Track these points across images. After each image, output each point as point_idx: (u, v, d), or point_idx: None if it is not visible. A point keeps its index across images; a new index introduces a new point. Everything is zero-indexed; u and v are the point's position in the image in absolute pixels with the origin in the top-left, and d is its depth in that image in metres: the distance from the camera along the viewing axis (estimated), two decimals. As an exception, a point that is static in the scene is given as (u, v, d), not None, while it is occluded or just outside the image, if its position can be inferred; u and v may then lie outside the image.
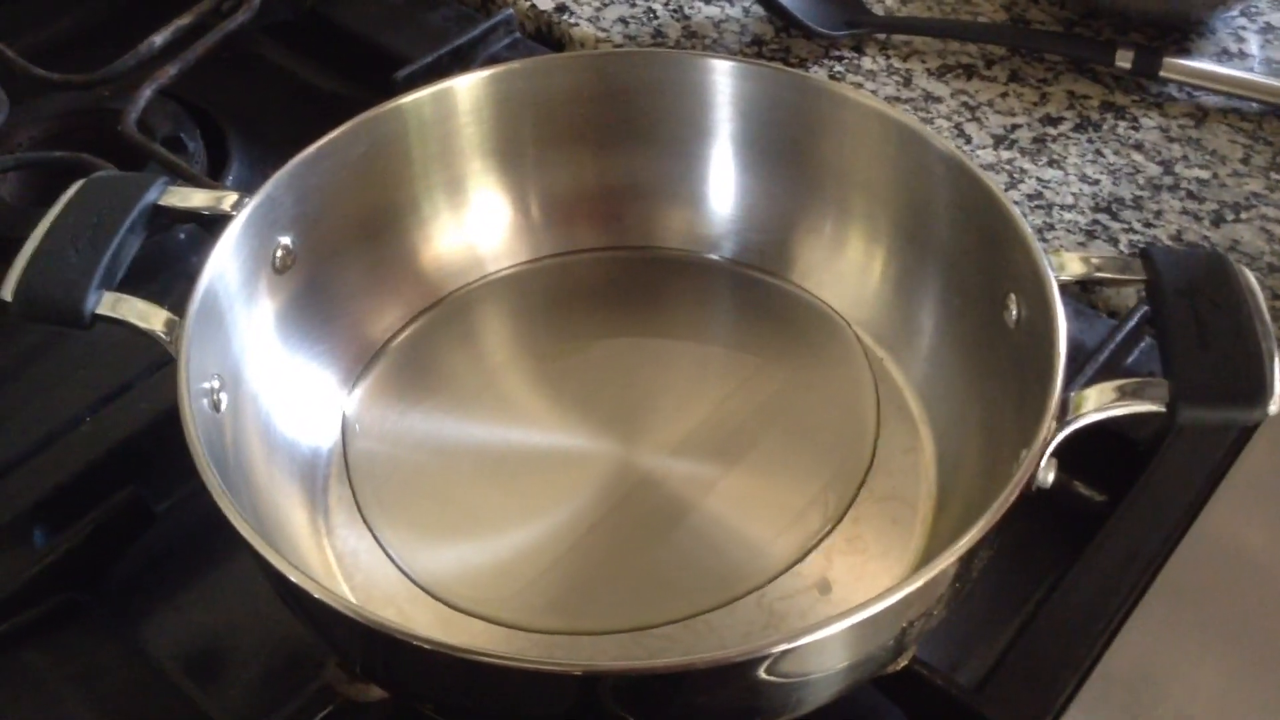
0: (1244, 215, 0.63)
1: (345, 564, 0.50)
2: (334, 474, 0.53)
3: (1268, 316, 0.44)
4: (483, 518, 0.53)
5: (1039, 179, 0.66)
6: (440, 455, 0.54)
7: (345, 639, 0.43)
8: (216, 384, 0.47)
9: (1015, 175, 0.66)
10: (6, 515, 0.52)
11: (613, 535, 0.52)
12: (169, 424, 0.55)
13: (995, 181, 0.50)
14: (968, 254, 0.51)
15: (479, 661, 0.38)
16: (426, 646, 0.38)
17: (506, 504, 0.53)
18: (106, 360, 0.58)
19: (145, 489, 0.53)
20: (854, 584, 0.49)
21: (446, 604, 0.49)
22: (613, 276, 0.60)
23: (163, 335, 0.46)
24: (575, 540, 0.51)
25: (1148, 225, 0.63)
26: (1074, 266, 0.47)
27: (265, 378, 0.51)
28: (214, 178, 0.69)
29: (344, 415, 0.55)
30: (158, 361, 0.58)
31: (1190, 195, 0.64)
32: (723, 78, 0.55)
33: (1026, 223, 0.48)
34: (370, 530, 0.51)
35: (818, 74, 0.72)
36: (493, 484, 0.53)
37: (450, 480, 0.54)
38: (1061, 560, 0.52)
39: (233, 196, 0.50)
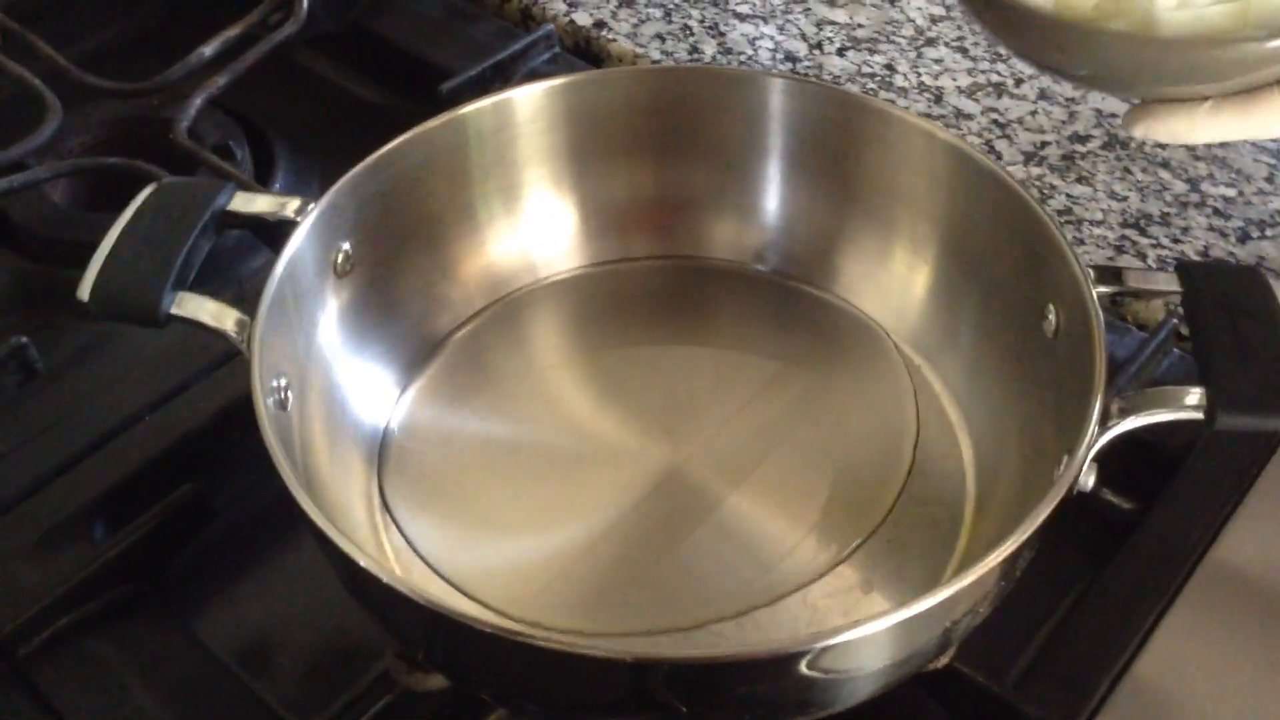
0: (1269, 232, 0.65)
1: (402, 558, 0.52)
2: (391, 469, 0.55)
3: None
4: (528, 517, 0.54)
5: (1068, 195, 0.68)
6: (487, 454, 0.56)
7: (408, 625, 0.45)
8: (284, 382, 0.49)
9: (1045, 191, 0.68)
10: (70, 509, 0.54)
11: (657, 535, 0.53)
12: (227, 422, 0.57)
13: (1035, 197, 0.51)
14: (1008, 266, 0.53)
15: (537, 647, 0.40)
16: (488, 631, 0.40)
17: (552, 504, 0.54)
18: (166, 359, 0.60)
19: (204, 485, 0.55)
20: (896, 584, 0.51)
21: (489, 607, 0.50)
22: (661, 284, 0.61)
23: (234, 335, 0.47)
24: (622, 540, 0.53)
25: (1175, 241, 0.65)
26: (1112, 279, 0.49)
27: (328, 377, 0.52)
28: (261, 185, 0.70)
29: (396, 413, 0.57)
30: (215, 361, 0.59)
31: (1216, 212, 0.66)
32: (773, 94, 0.57)
33: (1065, 236, 0.50)
34: (401, 529, 0.53)
35: (852, 89, 0.74)
36: (538, 483, 0.55)
37: (496, 479, 0.55)
38: (1092, 565, 0.53)
39: (296, 202, 0.52)
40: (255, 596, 0.55)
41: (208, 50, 0.75)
